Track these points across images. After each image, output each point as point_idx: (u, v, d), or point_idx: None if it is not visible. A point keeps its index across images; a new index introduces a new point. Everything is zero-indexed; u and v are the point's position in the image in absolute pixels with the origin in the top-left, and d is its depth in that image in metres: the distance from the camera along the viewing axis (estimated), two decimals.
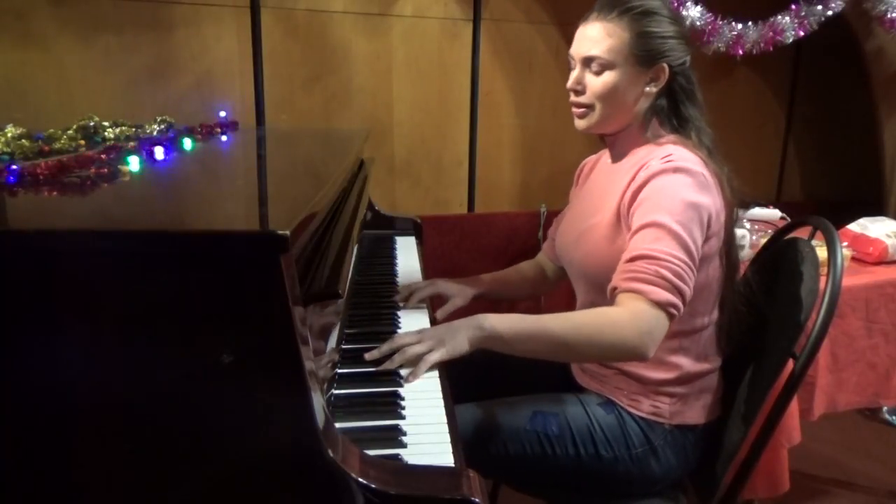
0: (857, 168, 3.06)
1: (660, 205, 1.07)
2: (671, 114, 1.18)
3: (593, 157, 1.41)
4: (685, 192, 1.07)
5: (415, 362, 1.03)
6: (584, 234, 1.22)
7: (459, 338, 1.04)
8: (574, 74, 1.19)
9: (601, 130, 1.22)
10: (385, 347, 1.06)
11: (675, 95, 1.18)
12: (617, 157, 1.25)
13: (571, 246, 1.27)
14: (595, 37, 1.15)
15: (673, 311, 1.03)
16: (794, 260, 1.23)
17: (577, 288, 1.31)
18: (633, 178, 1.13)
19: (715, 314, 1.20)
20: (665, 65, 1.14)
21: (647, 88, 1.16)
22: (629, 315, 1.02)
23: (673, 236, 1.04)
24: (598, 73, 1.15)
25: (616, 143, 1.25)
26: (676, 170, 1.08)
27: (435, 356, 1.03)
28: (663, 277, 1.02)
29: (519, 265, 1.53)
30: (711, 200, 1.10)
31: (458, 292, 1.38)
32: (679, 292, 1.03)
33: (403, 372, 1.03)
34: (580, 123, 1.21)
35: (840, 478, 2.12)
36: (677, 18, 1.21)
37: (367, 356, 1.06)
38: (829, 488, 2.07)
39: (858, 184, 3.07)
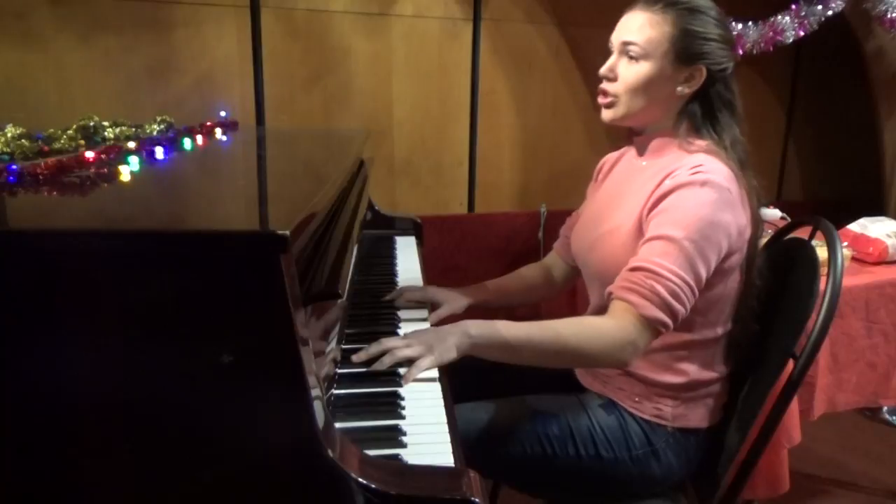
0: (857, 168, 3.06)
1: (678, 218, 1.04)
2: (705, 121, 1.14)
3: (614, 154, 1.37)
4: (707, 209, 1.04)
5: (404, 365, 1.01)
6: (603, 238, 1.19)
7: (448, 344, 1.01)
8: (609, 61, 1.16)
9: (626, 123, 1.19)
10: (373, 349, 1.03)
11: (711, 102, 1.14)
12: (642, 154, 1.22)
13: (587, 248, 1.24)
14: (637, 25, 1.12)
15: (661, 328, 1.03)
16: (794, 260, 1.23)
17: (590, 290, 1.28)
18: (658, 185, 1.09)
19: (728, 325, 1.18)
20: (703, 67, 1.11)
21: (680, 88, 1.12)
22: (615, 326, 1.02)
23: (682, 253, 1.02)
24: (632, 61, 1.13)
25: (643, 139, 1.21)
26: (704, 183, 1.04)
27: (426, 362, 1.00)
28: (658, 294, 1.01)
29: (520, 270, 1.48)
30: (735, 218, 1.07)
31: (449, 300, 1.35)
32: (671, 312, 1.02)
33: (402, 370, 1.02)
34: (606, 114, 1.18)
35: (840, 478, 2.12)
36: (724, 22, 1.16)
37: (354, 358, 1.03)
38: (829, 488, 2.07)
39: (858, 184, 3.07)
